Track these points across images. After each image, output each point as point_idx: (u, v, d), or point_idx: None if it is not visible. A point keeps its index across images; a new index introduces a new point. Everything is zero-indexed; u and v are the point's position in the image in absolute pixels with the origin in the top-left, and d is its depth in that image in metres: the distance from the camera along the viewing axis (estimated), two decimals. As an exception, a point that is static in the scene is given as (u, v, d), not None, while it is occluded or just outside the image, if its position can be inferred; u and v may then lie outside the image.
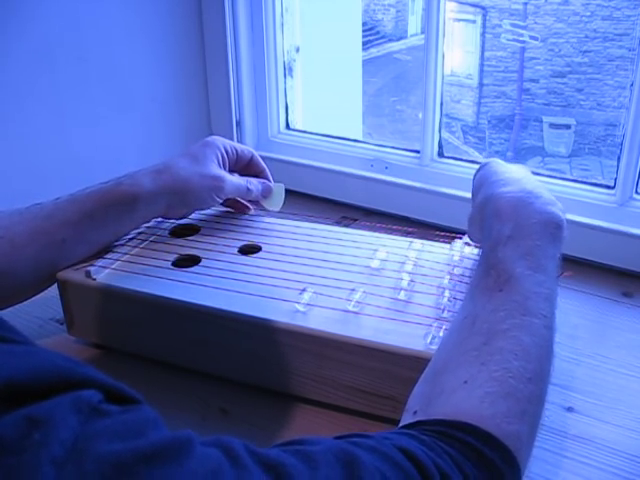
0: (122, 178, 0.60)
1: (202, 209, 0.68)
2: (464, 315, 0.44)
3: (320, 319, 0.55)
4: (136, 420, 0.27)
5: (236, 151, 0.67)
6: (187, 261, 0.65)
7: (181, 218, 0.69)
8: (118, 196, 0.59)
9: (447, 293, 0.58)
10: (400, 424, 0.41)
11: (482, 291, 0.44)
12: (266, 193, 0.70)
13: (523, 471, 0.36)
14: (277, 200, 0.72)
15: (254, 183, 0.68)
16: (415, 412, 0.40)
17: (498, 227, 0.47)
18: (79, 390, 0.25)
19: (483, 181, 0.55)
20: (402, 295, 0.58)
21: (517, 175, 0.53)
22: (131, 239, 0.68)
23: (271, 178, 0.71)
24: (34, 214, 0.58)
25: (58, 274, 0.63)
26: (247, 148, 0.69)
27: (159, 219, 0.71)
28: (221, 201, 0.66)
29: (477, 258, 0.52)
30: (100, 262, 0.64)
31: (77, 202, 0.58)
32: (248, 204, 0.72)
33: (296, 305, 0.56)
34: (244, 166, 0.69)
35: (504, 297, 0.43)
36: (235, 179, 0.65)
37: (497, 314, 0.42)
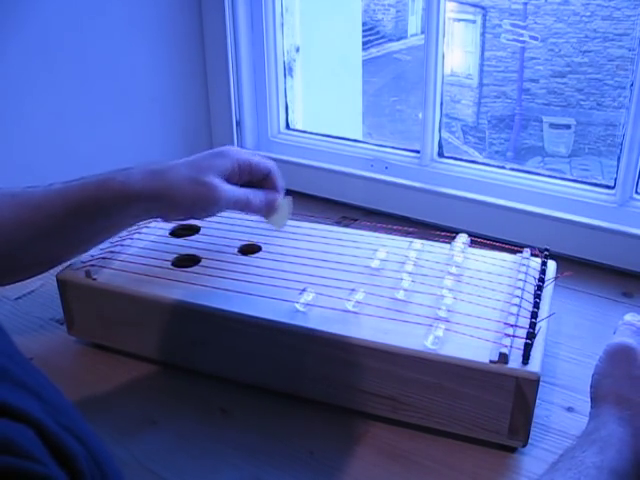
0: (116, 173, 0.57)
1: (200, 217, 0.61)
2: None
3: (320, 319, 0.55)
4: None
5: (250, 164, 0.60)
6: (187, 261, 0.65)
7: (183, 220, 0.65)
8: (106, 193, 0.56)
9: (447, 293, 0.58)
10: None
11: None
12: (270, 207, 0.61)
13: None
14: (281, 218, 0.63)
15: (258, 194, 0.60)
16: None
17: None
18: None
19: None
20: (402, 295, 0.58)
21: None
22: (131, 239, 0.68)
23: (282, 196, 0.63)
24: (24, 201, 0.56)
25: (58, 274, 0.63)
26: (266, 163, 0.62)
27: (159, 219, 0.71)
28: (216, 211, 0.59)
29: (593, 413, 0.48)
30: (100, 262, 0.64)
31: (66, 194, 0.56)
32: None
33: (296, 305, 0.56)
34: (258, 180, 0.62)
35: None
36: (235, 191, 0.58)
37: None
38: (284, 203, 0.63)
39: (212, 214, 0.60)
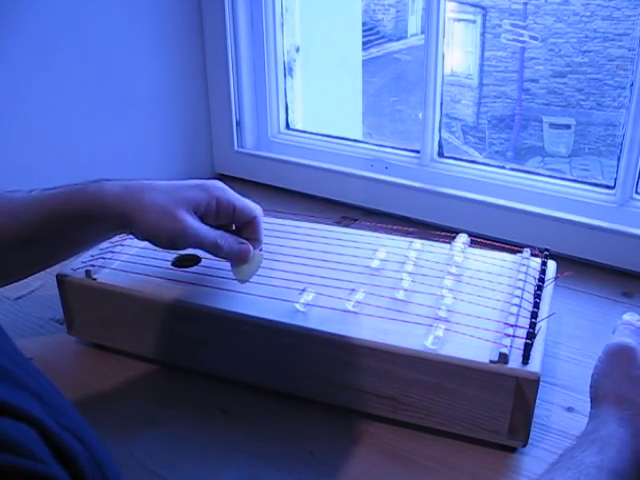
0: (90, 184, 0.55)
1: (163, 248, 0.57)
2: None
3: (320, 319, 0.55)
4: None
5: (234, 207, 0.56)
6: (187, 261, 0.65)
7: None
8: (77, 204, 0.53)
9: (447, 293, 0.58)
10: None
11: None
12: (240, 257, 0.57)
13: None
14: (248, 271, 0.58)
15: (229, 241, 0.56)
16: None
17: None
18: None
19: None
20: (402, 295, 0.58)
21: None
22: (132, 239, 0.68)
23: (260, 248, 0.59)
24: (1, 207, 0.54)
25: (58, 274, 0.63)
26: (252, 209, 0.58)
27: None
28: (181, 247, 0.56)
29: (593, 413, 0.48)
30: (100, 262, 0.64)
31: (41, 203, 0.54)
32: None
33: (296, 305, 0.56)
34: (240, 226, 0.59)
35: None
36: (204, 232, 0.54)
37: None
38: (256, 256, 0.58)
39: (177, 248, 0.57)
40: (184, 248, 0.56)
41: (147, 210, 0.53)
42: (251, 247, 0.58)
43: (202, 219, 0.55)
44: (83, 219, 0.54)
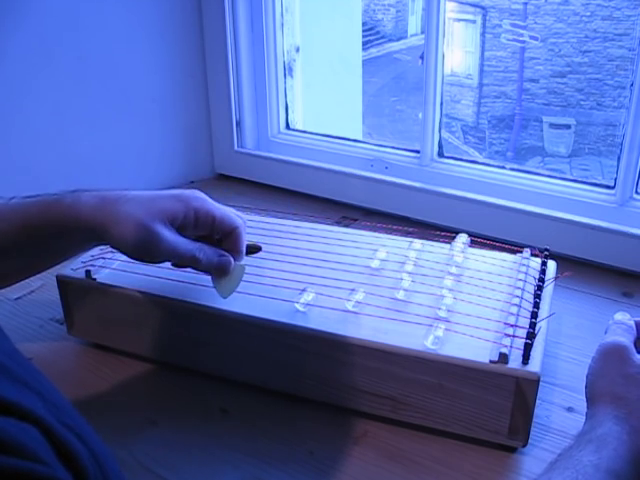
0: (68, 194, 0.53)
1: (140, 261, 0.54)
2: None
3: (320, 319, 0.55)
4: None
5: (213, 218, 0.54)
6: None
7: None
8: (53, 214, 0.52)
9: (447, 293, 0.58)
10: None
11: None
12: (220, 270, 0.55)
13: None
14: (230, 285, 0.57)
15: (208, 253, 0.54)
16: None
17: None
18: None
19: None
20: (402, 295, 0.58)
21: None
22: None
23: (240, 260, 0.57)
24: None
25: (58, 274, 0.63)
26: (233, 220, 0.56)
27: None
28: (158, 260, 0.54)
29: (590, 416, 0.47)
30: (100, 262, 0.64)
31: (21, 212, 0.53)
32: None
33: (296, 305, 0.56)
34: (222, 237, 0.57)
35: None
36: (180, 244, 0.52)
37: None
38: (237, 269, 0.57)
39: (153, 261, 0.55)
40: (160, 261, 0.54)
41: (120, 222, 0.51)
42: (232, 259, 0.56)
43: (180, 230, 0.53)
44: (59, 230, 0.53)
